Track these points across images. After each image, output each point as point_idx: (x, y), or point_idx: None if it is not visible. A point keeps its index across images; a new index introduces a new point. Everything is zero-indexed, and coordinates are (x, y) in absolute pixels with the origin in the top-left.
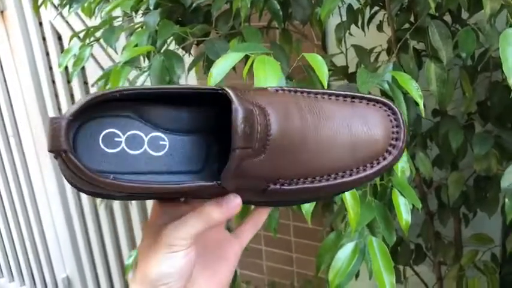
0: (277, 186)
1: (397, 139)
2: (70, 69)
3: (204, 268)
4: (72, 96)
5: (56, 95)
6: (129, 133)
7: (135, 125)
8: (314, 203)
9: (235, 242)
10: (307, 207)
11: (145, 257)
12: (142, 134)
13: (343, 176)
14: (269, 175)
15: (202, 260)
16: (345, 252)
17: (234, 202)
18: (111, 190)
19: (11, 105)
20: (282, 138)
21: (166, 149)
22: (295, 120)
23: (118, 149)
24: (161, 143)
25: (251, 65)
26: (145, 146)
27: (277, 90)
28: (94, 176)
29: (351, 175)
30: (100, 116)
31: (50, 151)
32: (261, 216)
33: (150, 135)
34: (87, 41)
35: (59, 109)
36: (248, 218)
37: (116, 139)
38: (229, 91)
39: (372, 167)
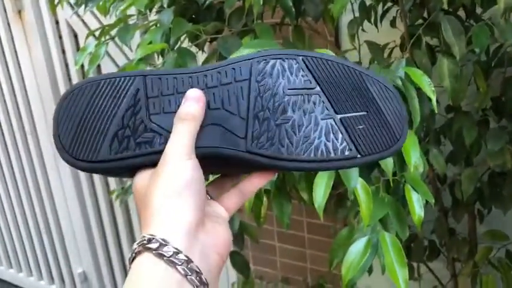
0: None
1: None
2: (86, 67)
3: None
4: None
5: None
6: None
7: None
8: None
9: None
10: (320, 202)
11: (160, 178)
12: None
13: None
14: None
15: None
16: (358, 246)
17: (193, 92)
18: None
19: (29, 103)
20: None
21: None
22: None
23: None
24: None
25: None
26: None
27: None
28: None
29: None
30: None
31: None
32: (252, 184)
33: None
34: (103, 39)
35: None
36: (237, 186)
37: None
38: None
39: None
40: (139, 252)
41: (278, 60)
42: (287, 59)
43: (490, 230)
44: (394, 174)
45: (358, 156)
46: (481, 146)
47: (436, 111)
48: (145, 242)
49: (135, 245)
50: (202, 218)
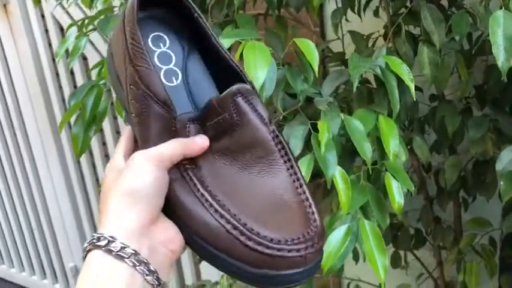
0: (190, 167)
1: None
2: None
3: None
4: (75, 87)
5: (60, 87)
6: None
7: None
8: None
9: None
10: None
11: (121, 177)
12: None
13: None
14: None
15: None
16: (338, 235)
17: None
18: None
19: (16, 98)
20: (235, 145)
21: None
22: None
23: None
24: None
25: (242, 51)
26: None
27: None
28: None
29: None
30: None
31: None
32: None
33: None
34: (84, 30)
35: (63, 100)
36: None
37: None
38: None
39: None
40: (89, 250)
41: None
42: None
43: (474, 217)
44: (375, 163)
45: None
46: (463, 134)
47: (414, 99)
48: (94, 240)
49: (85, 244)
50: (154, 218)
